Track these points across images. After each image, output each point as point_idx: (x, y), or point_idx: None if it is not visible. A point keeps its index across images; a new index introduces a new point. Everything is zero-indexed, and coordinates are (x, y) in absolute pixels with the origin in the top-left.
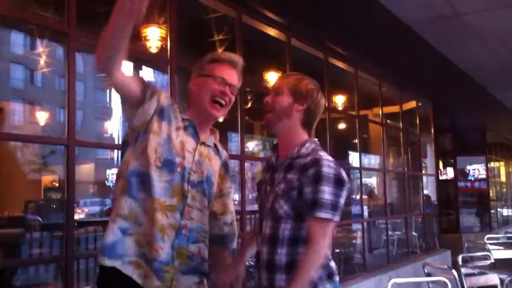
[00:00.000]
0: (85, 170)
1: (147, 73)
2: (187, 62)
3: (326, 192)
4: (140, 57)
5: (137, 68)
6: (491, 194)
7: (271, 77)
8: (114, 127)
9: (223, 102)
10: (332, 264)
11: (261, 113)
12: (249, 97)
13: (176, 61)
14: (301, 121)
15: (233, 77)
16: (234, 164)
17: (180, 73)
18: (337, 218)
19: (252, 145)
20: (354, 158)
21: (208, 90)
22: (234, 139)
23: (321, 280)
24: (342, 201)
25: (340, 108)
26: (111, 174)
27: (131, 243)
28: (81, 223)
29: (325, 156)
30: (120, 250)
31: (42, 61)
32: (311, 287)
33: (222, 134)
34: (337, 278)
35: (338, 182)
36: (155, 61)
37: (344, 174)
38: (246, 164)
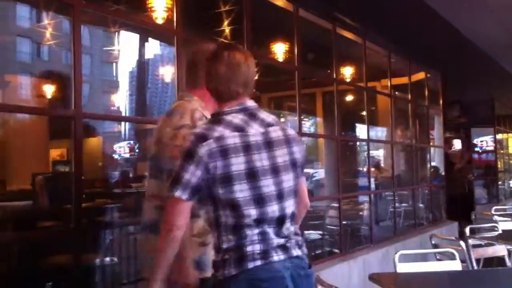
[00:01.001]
0: (92, 144)
1: (153, 45)
2: (194, 34)
3: (176, 167)
4: (147, 29)
5: (143, 40)
6: (499, 166)
7: (279, 49)
8: (121, 100)
9: None
10: (250, 248)
11: (269, 85)
12: (256, 69)
13: (183, 32)
14: (214, 97)
15: None
16: None
17: (187, 45)
18: (177, 193)
19: None
20: (362, 130)
21: None
22: None
23: (224, 262)
24: (186, 175)
25: (348, 80)
26: (119, 147)
27: None
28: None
29: (197, 129)
30: None
31: (48, 34)
32: (213, 269)
33: None
34: (250, 264)
35: (186, 155)
36: (162, 33)
37: (200, 146)
38: None
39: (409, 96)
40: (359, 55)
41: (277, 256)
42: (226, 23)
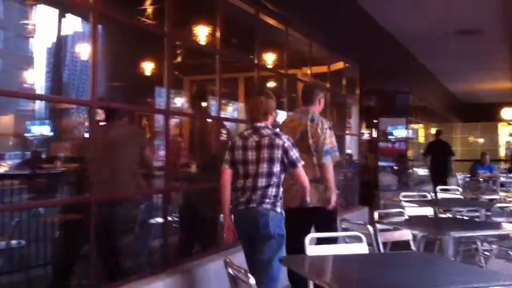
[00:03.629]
0: (4, 122)
1: (72, 22)
2: (113, 10)
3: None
4: (65, 4)
5: (61, 15)
6: (409, 155)
7: (201, 31)
8: (36, 77)
9: None
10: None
11: (192, 68)
12: (178, 51)
13: (100, 7)
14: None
15: None
16: (159, 118)
17: (106, 22)
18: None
19: (181, 101)
20: (281, 116)
21: None
22: (163, 94)
23: None
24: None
25: (270, 66)
26: (32, 126)
27: None
28: (4, 176)
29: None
30: None
31: None
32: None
33: (149, 89)
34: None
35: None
36: (80, 9)
37: (228, 145)
38: (175, 120)
39: (328, 85)
40: (282, 42)
41: (241, 206)
42: (148, 2)
